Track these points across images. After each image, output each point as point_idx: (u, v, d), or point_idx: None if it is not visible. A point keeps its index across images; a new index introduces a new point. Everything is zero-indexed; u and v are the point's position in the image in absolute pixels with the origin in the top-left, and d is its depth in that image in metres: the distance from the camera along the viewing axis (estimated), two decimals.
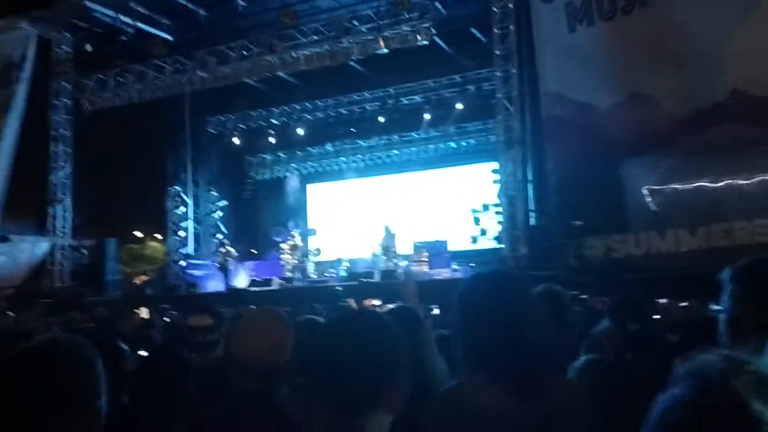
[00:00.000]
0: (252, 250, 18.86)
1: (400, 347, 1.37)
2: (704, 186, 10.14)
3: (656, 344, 3.49)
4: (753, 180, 9.80)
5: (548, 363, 1.68)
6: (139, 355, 3.50)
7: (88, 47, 16.35)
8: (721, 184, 10.00)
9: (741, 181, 9.86)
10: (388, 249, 15.04)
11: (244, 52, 15.59)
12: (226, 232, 19.46)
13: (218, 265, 16.58)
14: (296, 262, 16.21)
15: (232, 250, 16.77)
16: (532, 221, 13.49)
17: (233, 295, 14.12)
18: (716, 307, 1.70)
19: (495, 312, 1.64)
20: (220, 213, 19.72)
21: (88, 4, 15.12)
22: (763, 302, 1.57)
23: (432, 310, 5.80)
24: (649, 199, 10.61)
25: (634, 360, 3.02)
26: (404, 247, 15.64)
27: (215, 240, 17.14)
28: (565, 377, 1.81)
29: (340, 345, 1.33)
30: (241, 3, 15.09)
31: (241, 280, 16.45)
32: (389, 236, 15.16)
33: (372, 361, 1.30)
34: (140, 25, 15.73)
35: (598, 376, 2.42)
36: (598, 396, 2.22)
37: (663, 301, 7.05)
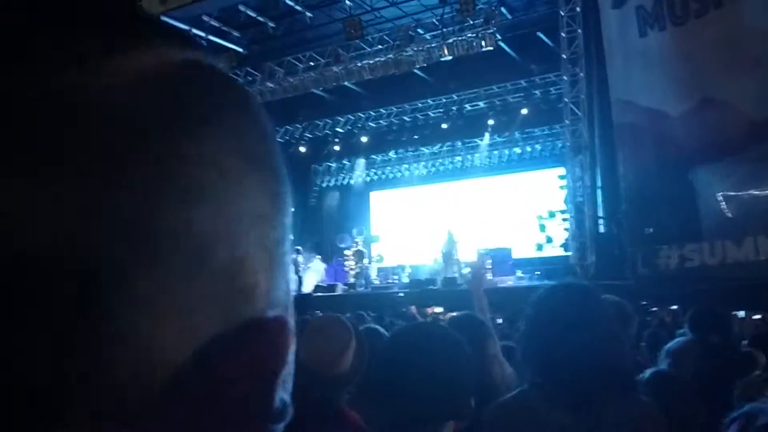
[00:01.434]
0: (317, 257, 19.17)
1: (465, 359, 1.39)
2: None
3: (738, 357, 3.37)
4: None
5: (617, 380, 1.64)
6: None
7: None
8: None
9: None
10: (450, 255, 14.99)
11: (311, 63, 15.94)
12: (291, 238, 19.81)
13: (295, 272, 16.90)
14: (359, 268, 16.37)
15: (301, 258, 17.10)
16: (601, 229, 13.16)
17: (299, 299, 14.40)
18: None
19: (565, 325, 1.62)
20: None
21: (163, 18, 15.78)
22: None
23: (496, 319, 5.77)
24: (724, 205, 10.18)
25: (715, 373, 2.92)
26: (468, 254, 15.56)
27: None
28: (635, 395, 1.77)
29: (406, 359, 1.36)
30: (308, 14, 15.44)
31: (308, 284, 16.73)
32: (451, 242, 15.11)
33: (439, 376, 1.32)
34: (212, 37, 16.33)
35: (667, 389, 2.37)
36: (668, 410, 2.17)
37: (740, 313, 6.77)
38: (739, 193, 10.08)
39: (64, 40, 0.28)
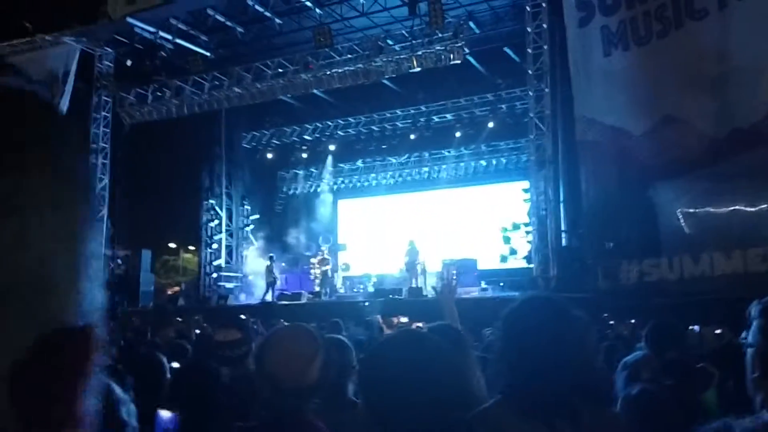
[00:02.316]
0: (282, 264, 19.03)
1: (453, 369, 1.40)
2: (740, 210, 9.96)
3: (695, 373, 3.43)
4: None
5: (589, 392, 1.66)
6: (172, 366, 3.58)
7: (129, 62, 16.83)
8: (758, 208, 9.80)
9: None
10: (413, 265, 15.04)
11: (280, 70, 15.88)
12: (256, 245, 19.70)
13: (266, 280, 16.73)
14: (325, 276, 16.30)
15: (276, 264, 16.94)
16: (563, 242, 13.38)
17: (263, 308, 14.26)
18: (744, 341, 1.70)
19: (539, 338, 1.64)
20: (252, 226, 19.98)
21: (130, 20, 15.57)
22: None
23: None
24: (683, 222, 10.45)
25: (672, 389, 2.97)
26: (433, 264, 15.63)
27: (269, 255, 17.36)
28: (606, 407, 1.79)
29: (398, 369, 1.35)
30: (278, 21, 15.40)
31: (269, 294, 16.58)
32: (414, 252, 15.17)
33: (434, 387, 1.32)
34: (179, 41, 16.15)
35: (650, 408, 2.40)
36: (646, 427, 2.19)
37: (695, 327, 6.93)
38: (697, 210, 10.36)
39: None
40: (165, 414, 2.33)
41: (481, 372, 2.13)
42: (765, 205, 9.77)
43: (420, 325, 7.63)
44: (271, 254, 17.30)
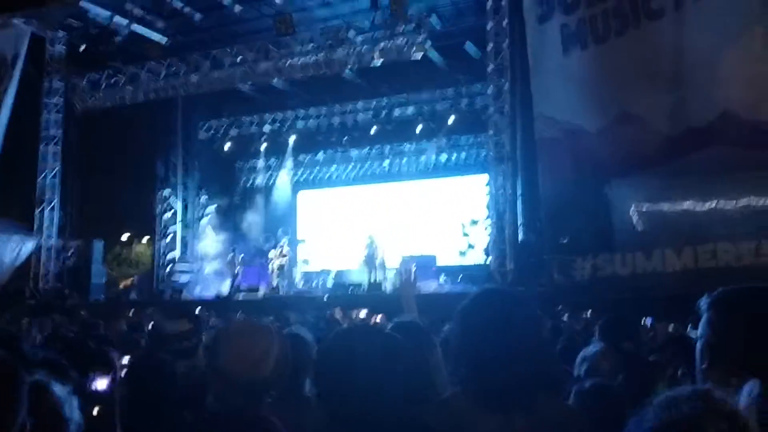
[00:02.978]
0: (240, 257, 18.79)
1: (409, 362, 1.39)
2: (691, 208, 10.24)
3: (648, 365, 3.50)
4: (739, 203, 9.91)
5: (544, 383, 1.70)
6: (123, 362, 3.48)
7: (82, 47, 16.33)
8: (708, 206, 10.10)
9: (727, 204, 9.97)
10: (371, 260, 15.03)
11: (239, 58, 15.61)
12: (212, 238, 19.37)
13: (228, 273, 16.56)
14: (283, 270, 16.15)
15: (239, 256, 16.74)
16: (521, 237, 13.55)
17: (219, 302, 14.05)
18: (693, 334, 1.76)
19: (493, 331, 1.67)
20: (208, 217, 19.63)
21: (84, 4, 15.08)
22: (739, 331, 1.63)
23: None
24: (636, 219, 10.69)
25: (627, 381, 3.02)
26: (393, 259, 15.65)
27: (231, 247, 17.15)
28: (559, 398, 1.82)
29: (351, 363, 1.34)
30: (237, 7, 15.11)
31: (226, 286, 16.37)
32: (372, 247, 15.16)
33: (390, 379, 1.31)
34: (135, 26, 15.71)
35: (604, 401, 2.42)
36: (601, 420, 2.22)
37: (648, 320, 7.10)
38: (650, 208, 10.61)
39: None
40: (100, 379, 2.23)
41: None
42: (715, 203, 10.07)
43: (378, 320, 7.65)
44: (234, 246, 17.10)
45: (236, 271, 16.36)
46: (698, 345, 1.73)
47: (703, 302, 1.73)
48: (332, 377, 1.38)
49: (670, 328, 6.13)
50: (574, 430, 1.74)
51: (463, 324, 1.76)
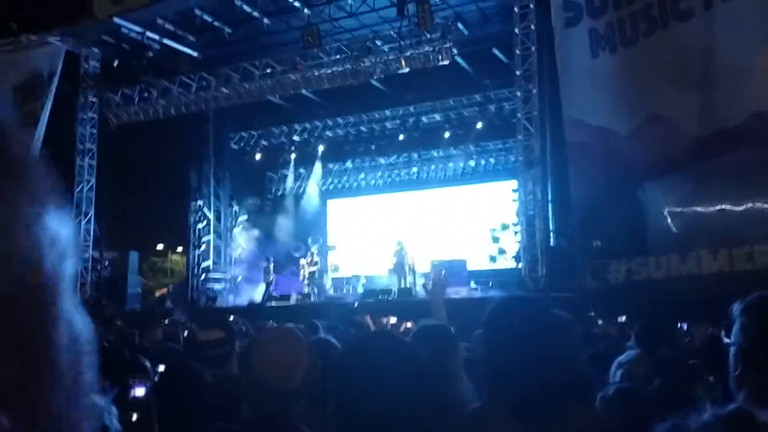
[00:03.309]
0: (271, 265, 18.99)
1: (422, 371, 1.39)
2: (726, 209, 10.04)
3: (685, 370, 3.44)
4: None
5: (574, 392, 1.66)
6: (158, 370, 3.54)
7: (115, 62, 16.72)
8: (743, 207, 9.88)
9: (762, 205, 9.74)
10: (401, 266, 15.03)
11: (268, 70, 15.83)
12: (245, 246, 19.61)
13: (264, 281, 16.80)
14: (314, 277, 16.27)
15: (272, 264, 16.98)
16: (552, 242, 13.42)
17: (252, 309, 14.20)
18: (727, 340, 1.72)
19: (520, 339, 1.63)
20: (240, 227, 19.88)
21: (117, 20, 15.47)
22: None
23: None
24: (670, 221, 10.52)
25: (663, 386, 2.98)
26: (423, 265, 15.63)
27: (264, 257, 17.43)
28: (590, 406, 1.79)
29: (360, 371, 1.34)
30: (266, 21, 15.35)
31: (259, 293, 16.54)
32: (402, 252, 15.17)
33: (394, 388, 1.31)
34: (166, 41, 16.06)
35: (630, 406, 2.40)
36: (628, 426, 2.20)
37: (683, 325, 6.97)
38: (684, 210, 10.43)
39: None
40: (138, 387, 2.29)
41: (467, 374, 2.11)
42: (750, 205, 9.85)
43: (408, 326, 7.64)
44: (268, 256, 17.32)
45: (270, 279, 16.57)
46: (731, 351, 1.70)
47: (736, 307, 1.70)
48: (347, 382, 1.39)
49: (708, 330, 6.01)
50: None
51: (487, 332, 1.73)
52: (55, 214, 0.43)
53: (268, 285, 16.41)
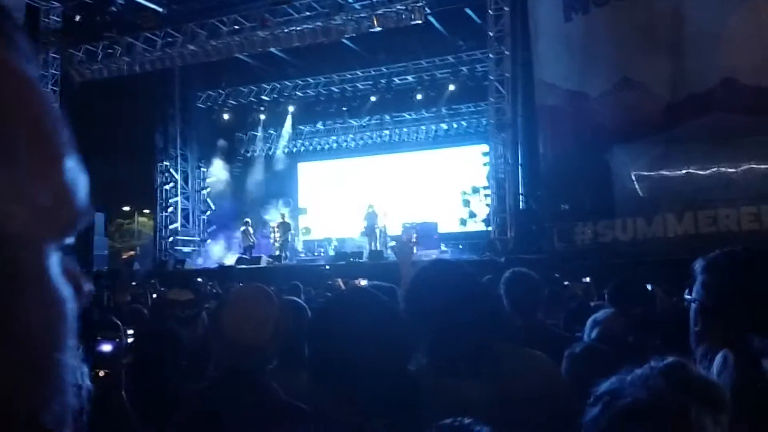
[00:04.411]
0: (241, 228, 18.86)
1: (399, 325, 1.41)
2: (692, 173, 10.21)
3: (658, 329, 3.52)
4: (740, 168, 9.87)
5: (503, 337, 1.78)
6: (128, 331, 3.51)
7: (77, 17, 16.12)
8: (709, 171, 10.07)
9: (728, 169, 9.94)
10: (372, 229, 15.07)
11: (236, 26, 15.41)
12: (213, 208, 19.40)
13: (243, 244, 16.70)
14: (284, 240, 16.21)
15: (251, 229, 16.85)
16: (521, 205, 13.55)
17: (221, 271, 14.12)
18: (688, 297, 1.76)
19: (438, 300, 1.73)
20: (208, 189, 19.62)
21: None
22: (733, 293, 1.63)
23: None
24: (637, 185, 10.67)
25: (636, 343, 3.05)
26: (394, 227, 15.68)
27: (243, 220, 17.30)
28: (523, 349, 1.87)
29: (343, 330, 1.35)
30: None
31: (229, 256, 16.45)
32: (373, 216, 15.19)
33: (383, 340, 1.33)
34: None
35: (595, 363, 2.45)
36: (590, 383, 2.24)
37: (648, 287, 7.12)
38: (651, 173, 10.58)
39: None
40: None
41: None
42: (715, 169, 10.03)
43: (364, 285, 7.70)
44: (247, 218, 17.18)
45: (251, 242, 16.49)
46: (692, 307, 1.74)
47: (698, 265, 1.73)
48: (321, 337, 1.40)
49: (667, 292, 6.16)
50: (543, 369, 1.81)
51: (408, 298, 1.83)
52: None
53: (248, 248, 16.31)
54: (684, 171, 10.29)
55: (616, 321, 3.14)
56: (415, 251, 14.45)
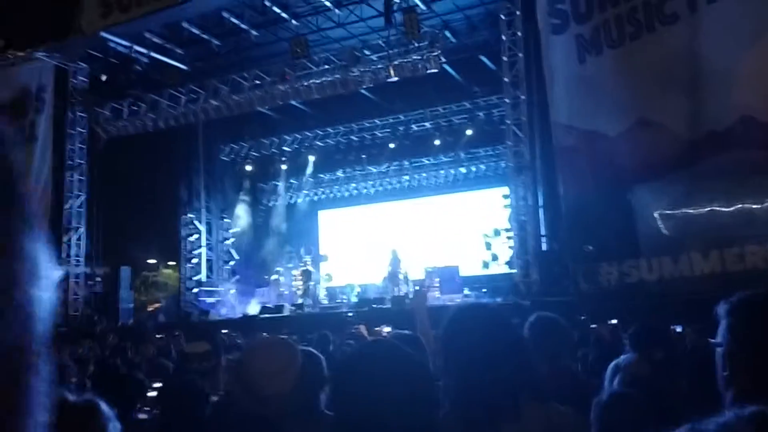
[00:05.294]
0: (264, 277, 18.93)
1: (424, 379, 1.41)
2: (716, 210, 10.09)
3: (682, 372, 3.43)
4: (764, 204, 9.75)
5: (525, 393, 1.73)
6: (154, 385, 3.52)
7: (103, 77, 16.69)
8: (733, 208, 9.94)
9: (752, 206, 9.81)
10: (395, 274, 15.03)
11: (257, 81, 15.84)
12: (237, 258, 19.55)
13: (276, 292, 16.87)
14: (307, 288, 16.23)
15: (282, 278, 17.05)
16: (544, 246, 13.45)
17: (245, 322, 14.14)
18: (714, 341, 1.72)
19: (472, 345, 1.71)
20: (232, 239, 19.83)
21: (104, 34, 15.43)
22: (759, 337, 1.59)
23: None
24: (660, 224, 10.56)
25: (662, 388, 2.97)
26: (416, 272, 15.62)
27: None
28: (546, 405, 1.84)
29: (370, 380, 1.36)
30: (254, 33, 15.37)
31: (253, 306, 16.47)
32: (395, 261, 15.17)
33: (403, 396, 1.33)
34: (154, 54, 16.03)
35: (626, 410, 2.40)
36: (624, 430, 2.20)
37: (677, 328, 6.98)
38: (675, 212, 10.47)
39: None
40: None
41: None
42: (740, 205, 9.91)
43: (387, 331, 7.64)
44: (278, 267, 17.41)
45: (281, 291, 16.62)
46: (718, 352, 1.70)
47: (722, 308, 1.70)
48: (346, 389, 1.40)
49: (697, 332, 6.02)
50: (566, 428, 1.77)
51: (444, 340, 1.82)
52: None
53: (280, 297, 16.48)
54: (708, 209, 10.17)
55: (638, 366, 3.07)
56: (438, 294, 14.38)
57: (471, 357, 1.69)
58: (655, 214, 10.65)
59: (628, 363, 3.42)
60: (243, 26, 15.12)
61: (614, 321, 7.58)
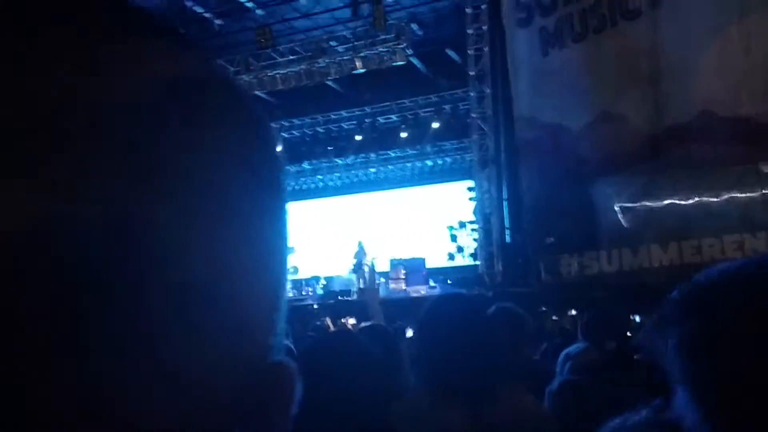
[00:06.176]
0: None
1: (380, 366, 1.42)
2: (674, 203, 10.33)
3: (633, 363, 3.51)
4: (721, 198, 10.01)
5: (501, 378, 1.80)
6: None
7: None
8: (691, 201, 10.19)
9: (710, 199, 10.07)
10: (360, 266, 15.03)
11: None
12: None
13: None
14: None
15: None
16: (507, 239, 13.62)
17: None
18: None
19: (450, 332, 1.75)
20: None
21: None
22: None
23: (405, 328, 5.83)
24: (621, 216, 10.77)
25: (611, 380, 3.03)
26: (382, 264, 15.65)
27: None
28: (522, 391, 1.89)
29: (328, 369, 1.36)
30: (218, 22, 15.13)
31: None
32: (361, 253, 15.17)
33: (356, 388, 1.33)
34: None
35: (573, 398, 2.44)
36: (570, 419, 2.25)
37: (636, 317, 7.13)
38: (635, 204, 10.69)
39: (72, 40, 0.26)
40: None
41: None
42: (698, 199, 10.16)
43: (352, 323, 7.68)
44: None
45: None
46: (669, 343, 1.75)
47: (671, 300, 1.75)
48: (306, 382, 1.41)
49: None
50: (539, 419, 1.82)
51: (421, 326, 1.87)
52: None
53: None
54: (667, 201, 10.41)
55: (587, 354, 3.12)
56: (403, 287, 14.44)
57: (451, 344, 1.74)
58: (616, 207, 10.85)
59: (578, 351, 3.47)
60: (206, 15, 14.88)
61: (574, 312, 7.73)
